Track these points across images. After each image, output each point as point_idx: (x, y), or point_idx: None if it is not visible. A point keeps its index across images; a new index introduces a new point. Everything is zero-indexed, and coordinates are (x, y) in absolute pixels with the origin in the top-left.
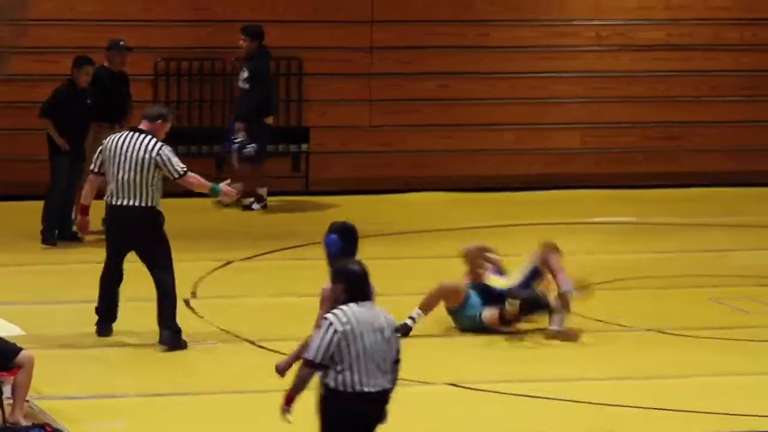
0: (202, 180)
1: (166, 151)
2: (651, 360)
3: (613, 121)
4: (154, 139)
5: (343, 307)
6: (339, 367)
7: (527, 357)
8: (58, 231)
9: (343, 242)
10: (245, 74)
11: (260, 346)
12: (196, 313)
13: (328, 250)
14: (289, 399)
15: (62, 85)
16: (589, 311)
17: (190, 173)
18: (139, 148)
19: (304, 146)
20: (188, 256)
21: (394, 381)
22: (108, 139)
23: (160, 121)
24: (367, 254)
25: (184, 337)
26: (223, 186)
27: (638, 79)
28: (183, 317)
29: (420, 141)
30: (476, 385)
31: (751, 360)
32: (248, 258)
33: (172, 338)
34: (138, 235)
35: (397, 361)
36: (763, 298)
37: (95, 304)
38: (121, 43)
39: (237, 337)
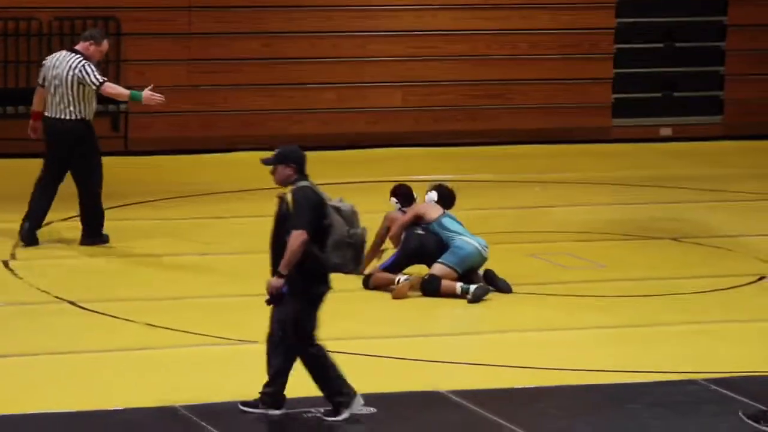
0: (120, 88)
1: (86, 66)
2: (470, 315)
3: (432, 79)
4: (80, 58)
5: None
6: None
7: (351, 313)
8: None
9: None
10: None
11: (81, 307)
12: (15, 274)
13: None
14: None
15: None
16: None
17: (107, 83)
18: (66, 67)
19: (123, 106)
20: (6, 217)
21: None
22: (48, 56)
23: (90, 41)
24: (190, 214)
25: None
26: (145, 92)
27: (457, 37)
28: (2, 280)
29: (242, 101)
30: None
31: (567, 315)
32: (67, 219)
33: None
34: (72, 144)
35: None
36: (581, 253)
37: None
38: None
39: (58, 298)
